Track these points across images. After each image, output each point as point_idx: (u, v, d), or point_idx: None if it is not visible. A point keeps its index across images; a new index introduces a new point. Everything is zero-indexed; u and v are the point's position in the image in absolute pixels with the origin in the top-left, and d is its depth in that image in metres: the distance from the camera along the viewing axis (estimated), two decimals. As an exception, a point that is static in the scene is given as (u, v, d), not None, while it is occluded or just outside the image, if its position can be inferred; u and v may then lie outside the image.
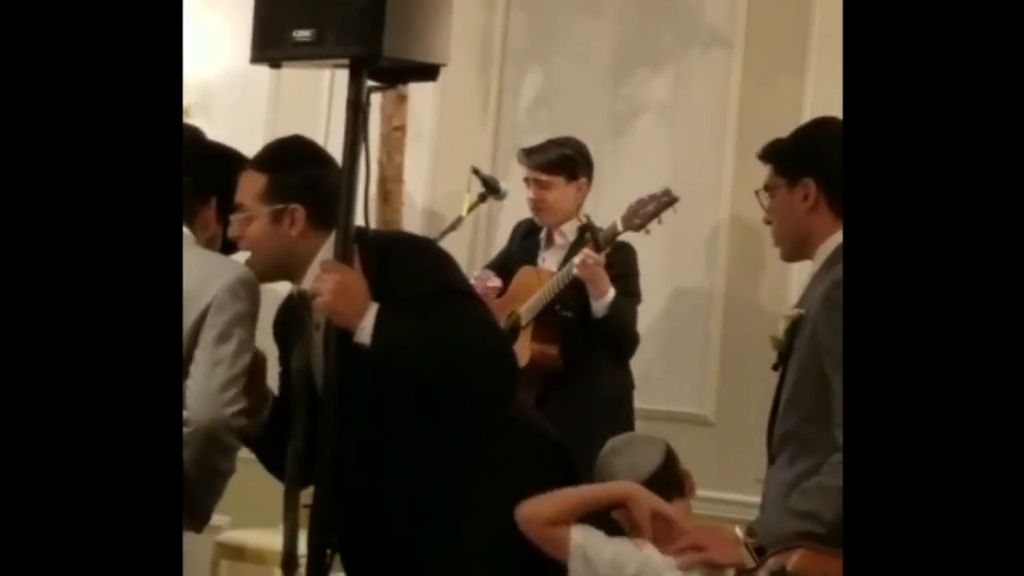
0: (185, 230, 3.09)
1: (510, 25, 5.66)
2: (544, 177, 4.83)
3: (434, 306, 2.96)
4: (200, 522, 3.08)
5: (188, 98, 4.90)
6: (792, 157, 3.13)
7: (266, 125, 5.73)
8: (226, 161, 3.24)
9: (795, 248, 3.15)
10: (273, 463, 3.18)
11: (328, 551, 2.96)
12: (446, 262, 3.12)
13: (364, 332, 2.92)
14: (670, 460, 3.01)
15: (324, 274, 2.95)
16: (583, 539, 2.82)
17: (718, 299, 5.27)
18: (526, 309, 4.76)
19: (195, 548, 3.16)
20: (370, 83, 3.00)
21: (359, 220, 2.98)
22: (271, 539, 4.35)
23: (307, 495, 3.05)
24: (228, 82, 5.63)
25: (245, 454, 3.17)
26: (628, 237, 4.65)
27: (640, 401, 4.85)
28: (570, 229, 4.86)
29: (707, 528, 2.88)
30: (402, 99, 5.31)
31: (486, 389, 3.01)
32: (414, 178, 5.52)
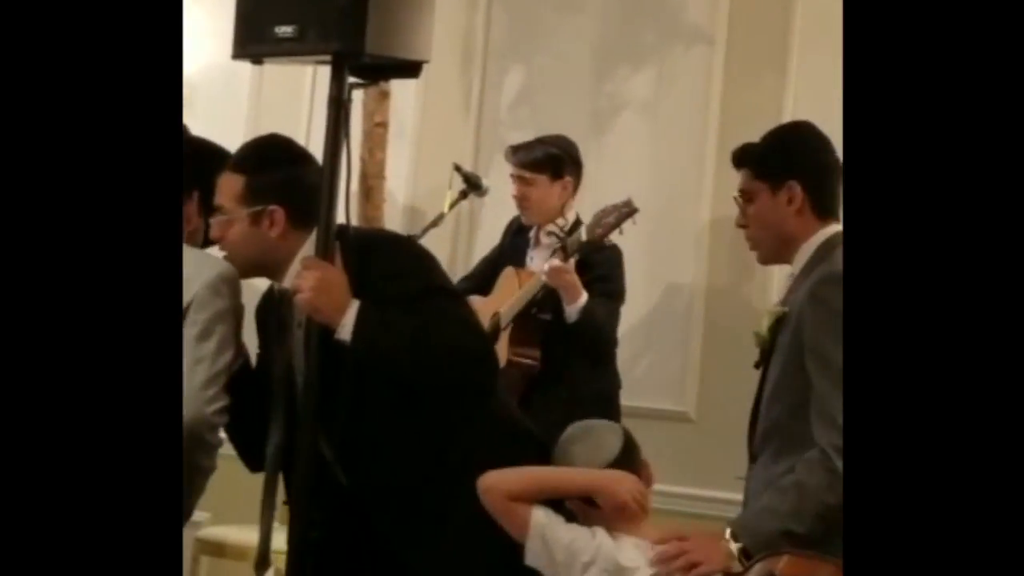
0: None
1: (492, 22, 5.65)
2: (528, 174, 4.83)
3: (415, 304, 2.96)
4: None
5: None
6: (775, 161, 3.11)
7: (248, 121, 5.72)
8: (208, 156, 3.24)
9: (776, 251, 3.13)
10: (240, 442, 3.17)
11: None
12: (427, 261, 3.12)
13: (345, 329, 2.92)
14: (629, 448, 2.98)
15: (305, 270, 2.95)
16: (545, 520, 2.83)
17: (699, 297, 5.28)
18: (505, 311, 4.76)
19: (176, 544, 3.16)
20: (352, 79, 2.99)
21: (340, 217, 2.98)
22: (251, 535, 4.34)
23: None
24: (210, 78, 5.61)
25: (226, 451, 3.16)
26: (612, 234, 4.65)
27: (622, 398, 4.85)
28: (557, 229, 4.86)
29: (700, 539, 2.86)
30: (384, 95, 5.31)
31: (467, 385, 3.01)
32: (396, 175, 5.51)
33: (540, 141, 4.91)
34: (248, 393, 3.11)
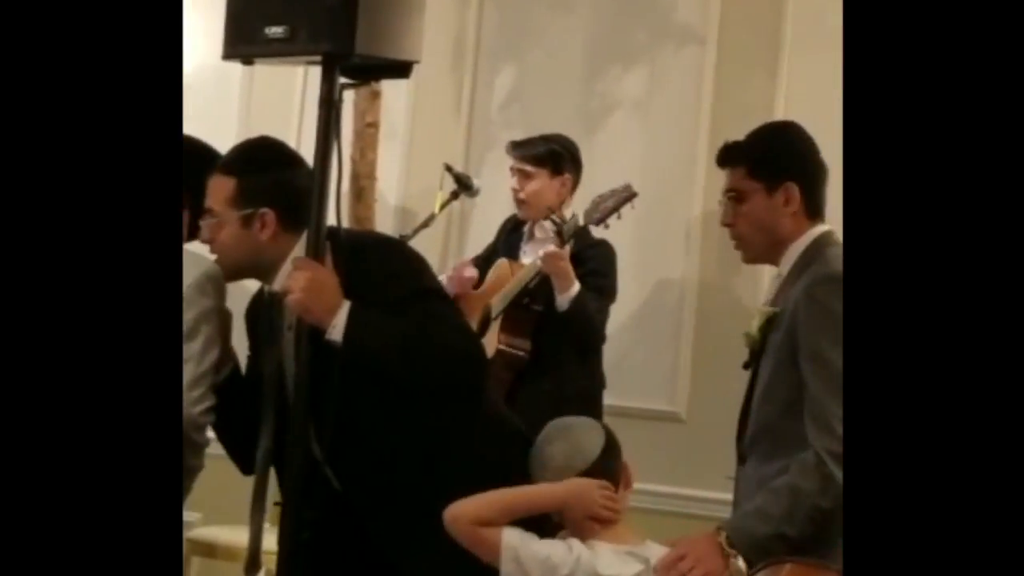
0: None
1: (483, 22, 5.65)
2: (529, 168, 4.84)
3: (406, 306, 2.96)
4: (170, 518, 3.07)
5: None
6: (772, 161, 3.09)
7: (239, 121, 5.72)
8: (197, 155, 3.24)
9: (765, 251, 3.12)
10: (233, 446, 3.17)
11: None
12: (418, 263, 3.13)
13: (336, 330, 2.92)
14: (610, 448, 2.95)
15: (296, 271, 2.95)
16: (517, 542, 2.81)
17: (690, 296, 5.28)
18: (496, 301, 4.76)
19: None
20: (343, 80, 2.99)
21: (331, 218, 2.98)
22: (242, 536, 4.33)
23: (278, 493, 3.05)
24: (201, 78, 5.60)
25: (216, 451, 3.16)
26: (603, 234, 4.66)
27: (612, 398, 4.85)
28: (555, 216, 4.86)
29: (702, 550, 2.83)
30: (375, 96, 5.31)
31: (457, 386, 3.02)
32: (387, 175, 5.51)
33: (542, 137, 4.91)
34: (239, 397, 3.11)
